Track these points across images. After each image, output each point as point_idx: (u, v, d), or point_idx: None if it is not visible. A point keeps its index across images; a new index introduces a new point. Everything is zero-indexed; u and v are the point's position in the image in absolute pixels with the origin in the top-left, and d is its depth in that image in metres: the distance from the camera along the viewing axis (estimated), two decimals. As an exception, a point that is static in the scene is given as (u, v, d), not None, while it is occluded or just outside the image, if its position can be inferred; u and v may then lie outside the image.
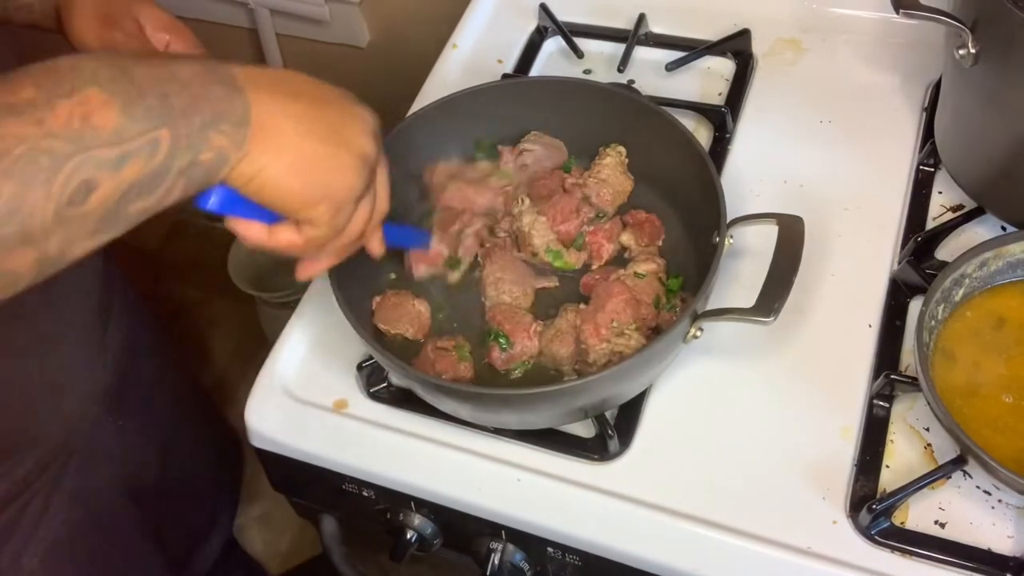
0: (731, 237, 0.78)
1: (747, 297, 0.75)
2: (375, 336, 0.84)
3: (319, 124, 0.59)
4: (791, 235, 0.77)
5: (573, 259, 0.87)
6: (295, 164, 0.58)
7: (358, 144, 0.62)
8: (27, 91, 0.48)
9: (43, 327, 0.54)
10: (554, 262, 0.87)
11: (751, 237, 0.84)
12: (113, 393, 0.98)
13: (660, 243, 0.88)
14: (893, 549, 0.72)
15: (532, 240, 0.86)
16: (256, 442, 0.87)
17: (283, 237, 0.62)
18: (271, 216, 0.61)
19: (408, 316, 0.85)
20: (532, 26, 1.11)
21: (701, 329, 0.76)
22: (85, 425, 0.93)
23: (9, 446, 0.84)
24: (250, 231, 0.62)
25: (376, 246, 0.74)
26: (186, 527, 1.22)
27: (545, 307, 0.86)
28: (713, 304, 0.79)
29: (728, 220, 0.78)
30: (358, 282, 0.85)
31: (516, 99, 0.93)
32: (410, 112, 0.97)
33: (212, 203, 0.58)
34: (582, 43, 1.08)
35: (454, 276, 0.88)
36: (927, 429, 0.77)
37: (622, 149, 0.91)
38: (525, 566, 0.82)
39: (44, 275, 0.51)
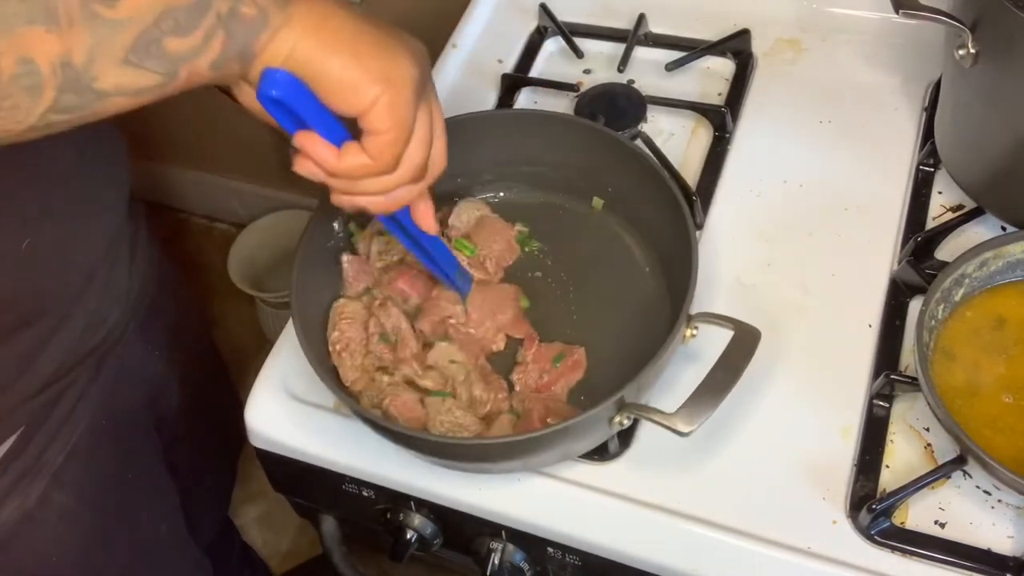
0: (695, 329, 0.75)
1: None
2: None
3: (370, 23, 0.58)
4: (741, 347, 0.72)
5: None
6: (344, 39, 0.55)
7: (411, 50, 0.59)
8: None
9: (76, 191, 0.52)
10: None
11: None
12: (141, 309, 0.98)
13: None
14: (893, 549, 0.72)
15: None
16: (256, 442, 0.87)
17: (350, 157, 0.60)
18: (337, 132, 0.59)
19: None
20: (532, 26, 1.11)
21: (630, 417, 0.72)
22: (116, 333, 0.93)
23: (52, 320, 0.83)
24: (318, 151, 0.59)
25: (426, 216, 0.69)
26: (195, 477, 1.21)
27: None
28: (663, 391, 0.77)
29: (687, 314, 0.74)
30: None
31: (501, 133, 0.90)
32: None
33: (275, 89, 0.55)
34: (582, 43, 1.08)
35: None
36: (927, 429, 0.77)
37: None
38: (525, 566, 0.82)
39: (67, 96, 0.48)
